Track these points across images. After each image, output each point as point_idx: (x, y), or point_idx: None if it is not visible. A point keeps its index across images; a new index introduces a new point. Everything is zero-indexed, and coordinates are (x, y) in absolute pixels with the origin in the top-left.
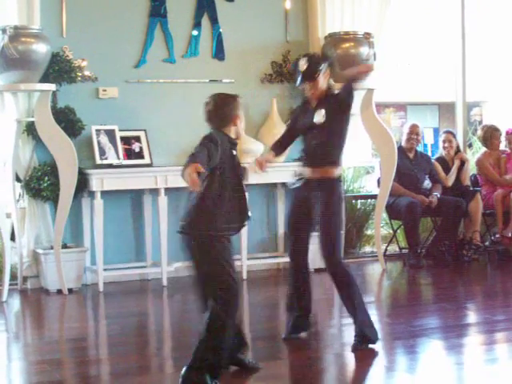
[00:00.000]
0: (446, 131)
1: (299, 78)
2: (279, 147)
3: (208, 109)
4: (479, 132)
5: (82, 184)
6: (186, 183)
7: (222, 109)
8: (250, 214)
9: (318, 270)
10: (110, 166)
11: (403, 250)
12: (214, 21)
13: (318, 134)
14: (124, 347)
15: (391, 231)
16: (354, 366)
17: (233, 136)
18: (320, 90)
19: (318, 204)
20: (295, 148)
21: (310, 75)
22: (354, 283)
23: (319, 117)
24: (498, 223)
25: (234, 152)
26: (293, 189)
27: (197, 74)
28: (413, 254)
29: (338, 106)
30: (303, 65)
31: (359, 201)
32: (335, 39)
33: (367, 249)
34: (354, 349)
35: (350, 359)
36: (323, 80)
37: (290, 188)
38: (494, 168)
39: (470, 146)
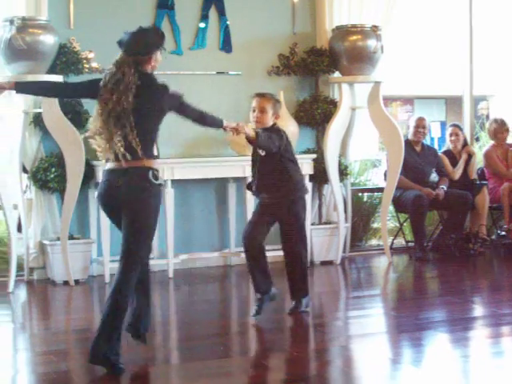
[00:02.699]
0: (453, 124)
1: None
2: None
3: None
4: (487, 125)
5: (89, 175)
6: None
7: None
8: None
9: (323, 263)
10: None
11: (409, 244)
12: (221, 13)
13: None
14: (130, 338)
15: (398, 224)
16: (360, 359)
17: None
18: None
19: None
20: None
21: None
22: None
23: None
24: (505, 217)
25: None
26: None
27: (204, 66)
28: (419, 247)
29: None
30: None
31: (366, 194)
32: (342, 32)
33: (373, 242)
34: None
35: (356, 352)
36: None
37: None
38: (501, 161)
39: (477, 139)
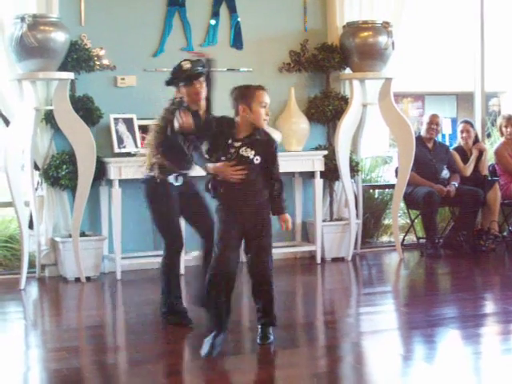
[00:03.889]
0: (464, 121)
1: None
2: None
3: None
4: (498, 120)
5: (100, 172)
6: None
7: None
8: None
9: (334, 260)
10: (128, 154)
11: (421, 240)
12: (232, 10)
13: None
14: (141, 335)
15: (409, 221)
16: (371, 355)
17: None
18: None
19: None
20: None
21: None
22: None
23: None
24: None
25: None
26: None
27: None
28: (430, 243)
29: None
30: None
31: (377, 190)
32: (353, 28)
33: (385, 238)
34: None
35: (367, 348)
36: None
37: None
38: None
39: (489, 136)
